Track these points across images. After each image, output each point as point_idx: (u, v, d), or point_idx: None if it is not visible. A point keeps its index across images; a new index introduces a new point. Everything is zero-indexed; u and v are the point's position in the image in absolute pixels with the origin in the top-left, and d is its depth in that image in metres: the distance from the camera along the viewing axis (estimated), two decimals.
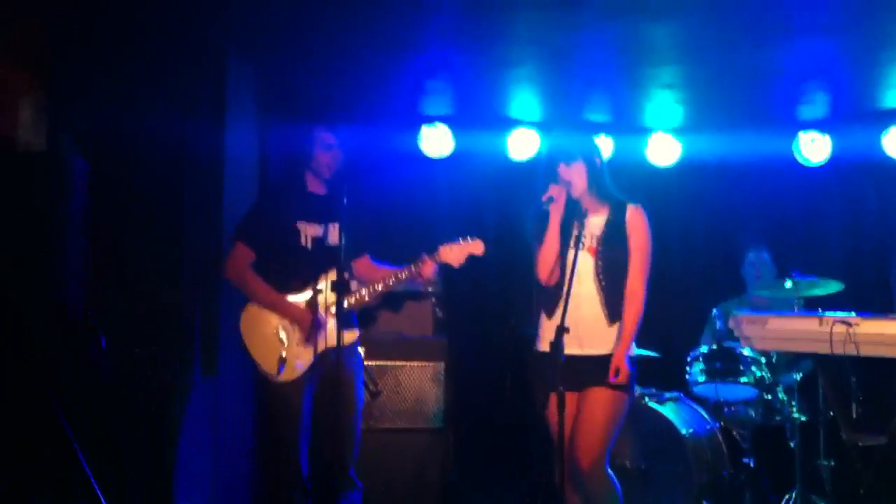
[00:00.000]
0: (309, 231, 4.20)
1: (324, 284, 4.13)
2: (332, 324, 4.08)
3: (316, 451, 4.16)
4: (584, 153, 3.99)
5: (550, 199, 3.92)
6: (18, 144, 4.24)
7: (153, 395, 4.47)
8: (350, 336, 4.14)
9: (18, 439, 3.94)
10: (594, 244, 3.95)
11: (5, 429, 3.91)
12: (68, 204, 4.23)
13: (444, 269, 5.29)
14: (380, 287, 4.17)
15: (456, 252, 4.13)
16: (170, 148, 4.54)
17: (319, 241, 4.19)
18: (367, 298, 4.20)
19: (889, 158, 5.82)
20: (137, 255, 4.52)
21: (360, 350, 4.33)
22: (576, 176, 3.96)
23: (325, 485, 4.13)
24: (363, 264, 4.32)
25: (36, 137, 4.31)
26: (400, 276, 4.18)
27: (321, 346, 4.11)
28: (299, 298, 4.17)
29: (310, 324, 4.11)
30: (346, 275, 4.16)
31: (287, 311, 4.14)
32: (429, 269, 4.14)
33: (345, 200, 4.08)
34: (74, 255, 4.23)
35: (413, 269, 4.15)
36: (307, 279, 4.15)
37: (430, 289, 5.29)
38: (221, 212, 4.86)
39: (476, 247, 4.15)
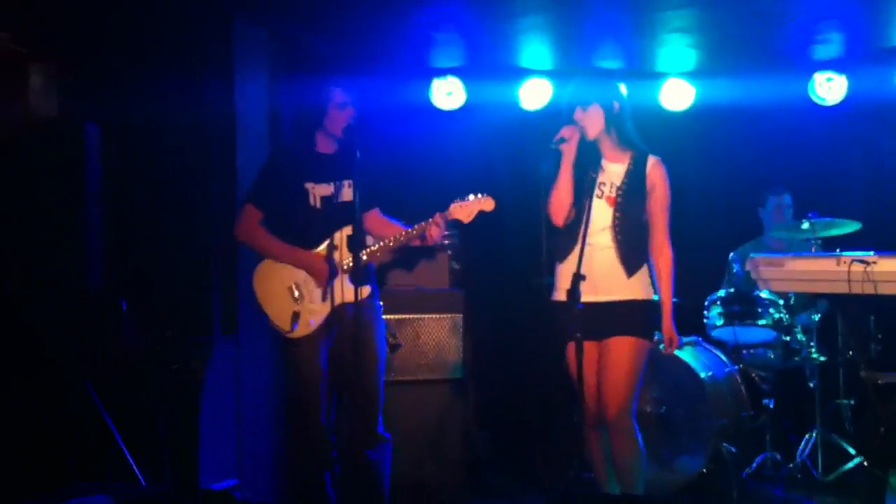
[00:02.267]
0: (318, 191, 4.18)
1: (338, 240, 4.14)
2: (346, 279, 4.10)
3: (344, 407, 4.17)
4: (600, 97, 3.95)
5: (562, 140, 3.89)
6: (30, 110, 4.26)
7: (175, 357, 4.54)
8: (364, 291, 4.11)
9: (45, 405, 4.02)
10: (613, 194, 3.93)
11: (32, 395, 3.98)
12: (83, 168, 4.26)
13: (460, 221, 5.32)
14: (391, 244, 4.17)
15: (466, 209, 4.13)
16: (180, 111, 4.56)
17: (329, 200, 4.18)
18: (378, 254, 4.20)
19: None
20: (153, 218, 4.55)
21: (380, 303, 4.34)
22: (591, 119, 3.93)
23: (354, 441, 4.15)
24: (373, 218, 4.31)
25: (47, 103, 4.34)
26: (409, 234, 4.17)
27: (336, 301, 4.12)
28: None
29: (327, 274, 4.12)
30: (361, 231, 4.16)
31: (303, 262, 4.14)
32: (436, 229, 4.12)
33: (357, 155, 4.07)
34: (91, 220, 4.26)
35: (419, 228, 4.15)
36: (318, 238, 4.15)
37: (445, 242, 5.30)
38: (235, 172, 4.87)
39: (486, 203, 4.14)
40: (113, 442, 4.08)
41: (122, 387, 4.34)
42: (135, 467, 4.07)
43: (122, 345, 4.37)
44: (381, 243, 4.18)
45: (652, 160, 3.98)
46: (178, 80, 4.62)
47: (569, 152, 3.90)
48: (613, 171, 3.95)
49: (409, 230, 4.18)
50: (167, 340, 4.54)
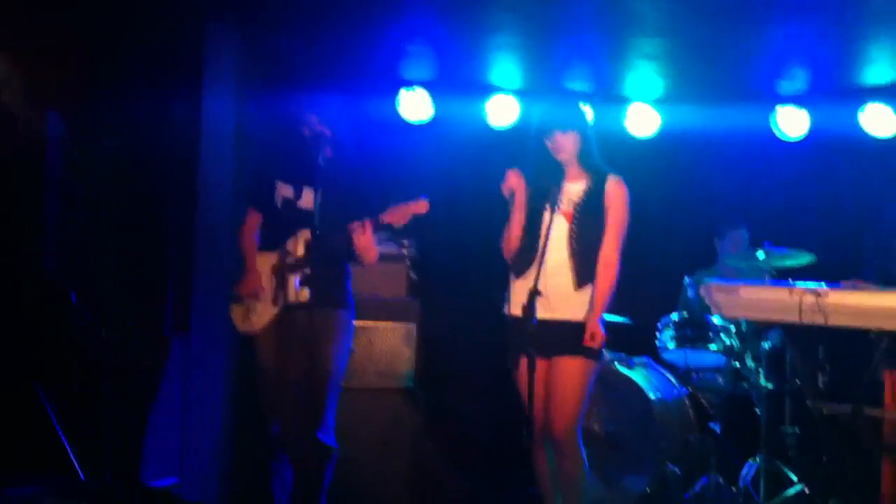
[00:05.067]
0: (283, 192, 4.22)
1: (294, 244, 4.14)
2: (294, 281, 4.09)
3: (294, 410, 4.14)
4: (579, 124, 4.04)
5: (512, 194, 3.97)
6: None
7: (129, 352, 4.50)
8: (304, 295, 4.09)
9: None
10: (570, 209, 3.98)
11: None
12: (43, 156, 4.23)
13: (421, 232, 5.33)
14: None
15: (398, 213, 4.10)
16: (145, 113, 4.56)
17: (291, 203, 4.20)
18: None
19: (865, 134, 5.86)
20: (113, 218, 4.53)
21: (352, 315, 4.31)
22: (569, 144, 4.00)
23: (297, 446, 4.13)
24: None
25: (9, 89, 4.31)
26: (339, 240, 4.13)
27: (284, 302, 4.10)
28: (270, 257, 4.19)
29: (250, 290, 4.13)
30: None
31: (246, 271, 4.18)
32: (362, 239, 4.08)
33: (320, 162, 4.09)
34: (51, 219, 4.23)
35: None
36: (279, 239, 4.16)
37: (404, 251, 5.32)
38: (196, 176, 4.86)
39: (419, 206, 4.11)
40: (55, 434, 4.04)
41: (72, 381, 4.30)
42: (75, 461, 4.02)
43: (71, 335, 4.33)
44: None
45: (612, 180, 4.04)
46: (147, 80, 4.62)
47: (519, 201, 3.98)
48: (573, 189, 4.01)
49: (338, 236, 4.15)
50: (120, 334, 4.51)
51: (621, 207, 4.02)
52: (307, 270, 4.07)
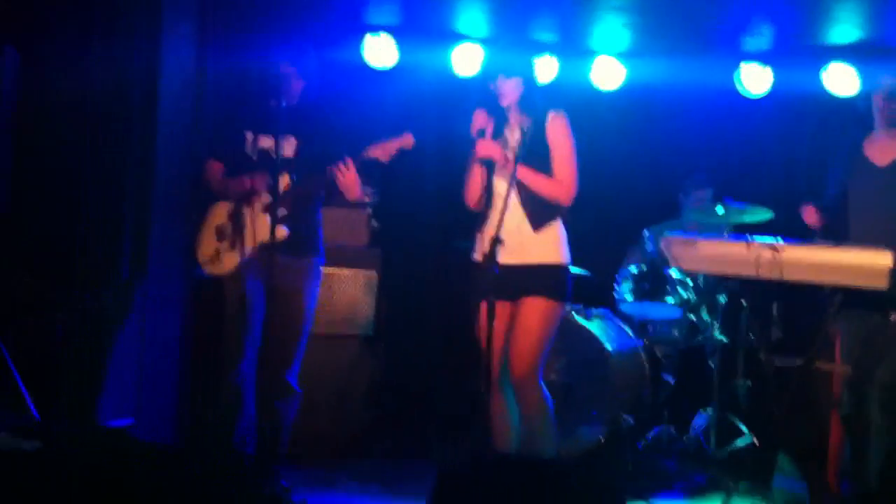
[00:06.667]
0: (263, 143, 4.17)
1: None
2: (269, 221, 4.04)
3: (265, 353, 4.15)
4: (523, 70, 4.02)
5: (481, 132, 3.95)
6: None
7: (85, 297, 4.46)
8: (280, 233, 4.05)
9: None
10: (513, 156, 3.96)
11: None
12: None
13: (382, 180, 5.29)
14: (297, 188, 4.13)
15: (384, 147, 4.04)
16: (104, 55, 4.47)
17: (267, 153, 4.14)
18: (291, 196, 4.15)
19: (827, 93, 5.90)
20: (69, 160, 4.45)
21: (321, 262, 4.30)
22: (510, 89, 3.99)
23: (263, 388, 4.14)
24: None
25: None
26: (318, 180, 4.12)
27: (256, 242, 4.08)
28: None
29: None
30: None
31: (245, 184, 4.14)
32: (348, 176, 4.02)
33: (283, 106, 4.06)
34: (3, 157, 4.13)
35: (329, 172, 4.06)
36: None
37: (367, 199, 5.29)
38: (155, 121, 4.78)
39: (406, 140, 4.05)
40: (9, 374, 4.00)
41: (25, 319, 4.26)
42: (29, 401, 4.00)
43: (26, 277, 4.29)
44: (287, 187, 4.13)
45: (551, 115, 4.02)
46: (105, 19, 4.52)
47: (484, 146, 3.94)
48: (515, 136, 4.01)
49: (317, 177, 4.11)
50: (77, 276, 4.47)
51: (564, 139, 3.99)
52: (283, 211, 4.03)
